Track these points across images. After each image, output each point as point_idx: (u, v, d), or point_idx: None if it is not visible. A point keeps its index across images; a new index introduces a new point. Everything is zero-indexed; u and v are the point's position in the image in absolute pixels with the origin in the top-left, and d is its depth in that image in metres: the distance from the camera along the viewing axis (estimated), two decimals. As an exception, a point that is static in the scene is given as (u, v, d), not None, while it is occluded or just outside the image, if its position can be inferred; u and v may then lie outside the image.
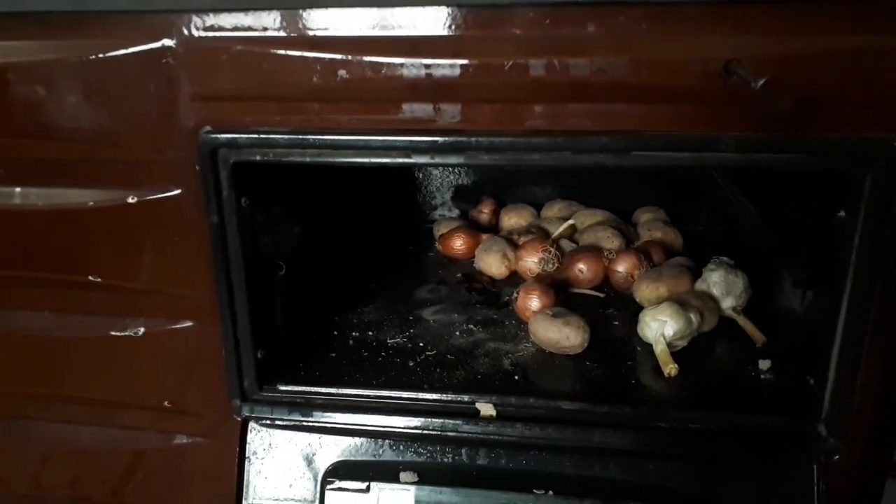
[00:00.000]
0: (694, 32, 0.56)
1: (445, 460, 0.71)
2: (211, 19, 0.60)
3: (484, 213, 1.12)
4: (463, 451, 0.71)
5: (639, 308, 0.81)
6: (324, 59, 0.60)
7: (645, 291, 0.85)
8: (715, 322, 0.81)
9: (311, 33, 0.60)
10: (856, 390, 0.65)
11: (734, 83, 0.56)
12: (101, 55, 0.63)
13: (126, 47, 0.62)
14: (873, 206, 0.59)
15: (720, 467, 0.68)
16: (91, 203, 0.68)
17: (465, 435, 0.70)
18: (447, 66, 0.59)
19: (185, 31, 0.61)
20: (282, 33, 0.60)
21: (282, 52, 0.60)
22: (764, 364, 0.75)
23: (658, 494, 0.67)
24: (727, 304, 0.82)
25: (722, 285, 0.82)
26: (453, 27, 0.58)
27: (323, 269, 0.91)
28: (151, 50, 0.62)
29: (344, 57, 0.60)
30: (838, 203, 0.62)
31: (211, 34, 0.61)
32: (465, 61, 0.59)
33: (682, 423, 0.68)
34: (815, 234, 0.69)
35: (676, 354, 0.75)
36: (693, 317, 0.77)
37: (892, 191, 0.59)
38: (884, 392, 0.65)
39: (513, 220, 1.09)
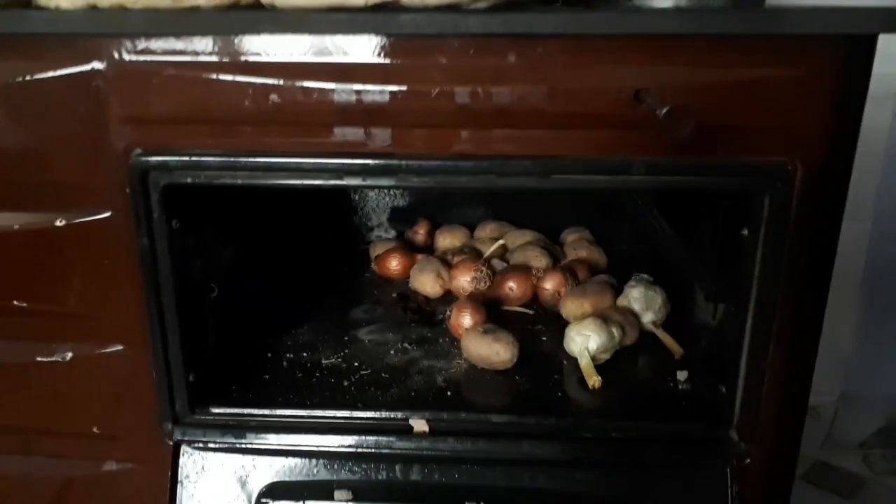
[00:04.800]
0: (607, 63, 0.60)
1: (380, 477, 0.72)
2: (142, 43, 0.61)
3: (419, 234, 1.14)
4: (397, 467, 0.72)
5: (566, 323, 0.85)
6: (256, 83, 0.61)
7: (571, 307, 0.89)
8: (636, 336, 0.85)
9: (243, 58, 0.61)
10: (762, 397, 0.69)
11: (645, 110, 0.60)
12: (28, 77, 0.62)
13: (55, 69, 0.62)
14: (773, 225, 0.64)
15: (642, 473, 0.72)
16: (17, 226, 0.67)
17: (398, 451, 0.72)
18: (377, 92, 0.61)
19: (116, 55, 0.61)
20: (214, 58, 0.61)
21: (214, 76, 0.61)
22: (681, 375, 0.79)
23: (585, 502, 0.70)
24: (647, 318, 0.87)
25: (642, 301, 0.87)
26: (383, 55, 0.61)
27: (257, 290, 0.92)
28: (81, 73, 0.62)
29: (276, 81, 0.61)
30: (742, 222, 0.67)
31: (142, 58, 0.61)
32: (394, 87, 0.61)
33: (606, 432, 0.72)
34: (722, 252, 0.74)
35: (600, 367, 0.79)
36: (615, 331, 0.81)
37: (789, 210, 0.64)
38: (786, 397, 0.69)
39: (447, 240, 1.11)
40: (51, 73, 0.62)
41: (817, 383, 0.71)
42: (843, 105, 0.61)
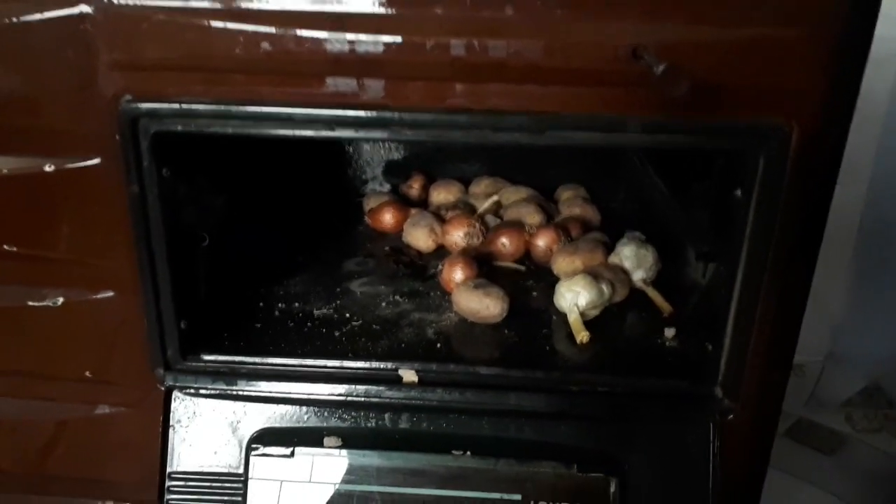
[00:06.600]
0: (605, 18, 0.59)
1: (369, 425, 0.73)
2: (131, -14, 0.60)
3: (413, 188, 1.13)
4: (386, 416, 0.74)
5: (556, 280, 0.85)
6: (247, 31, 0.60)
7: (562, 264, 0.89)
8: (626, 293, 0.86)
9: (235, 5, 0.60)
10: (747, 355, 0.70)
11: (642, 68, 0.59)
12: (14, 19, 0.61)
13: (41, 12, 0.61)
14: (766, 186, 0.64)
15: (626, 426, 0.73)
16: (5, 170, 0.67)
17: (388, 400, 0.73)
18: (371, 43, 0.60)
19: (104, -2, 0.60)
20: (205, 4, 0.60)
21: (205, 22, 0.60)
22: (669, 332, 0.80)
23: (569, 453, 0.72)
24: (637, 276, 0.87)
25: (633, 259, 0.87)
26: (377, 4, 0.59)
27: (250, 241, 0.92)
28: (68, 16, 0.60)
29: (268, 29, 0.60)
30: (735, 182, 0.66)
31: (131, 2, 0.60)
32: (388, 38, 0.60)
33: (592, 386, 0.73)
34: (715, 211, 0.74)
35: (589, 323, 0.80)
36: (605, 288, 0.81)
37: (783, 172, 0.63)
38: (770, 357, 0.70)
39: (441, 195, 1.11)
40: (37, 16, 0.61)
41: (805, 342, 0.72)
42: (842, 67, 0.60)
